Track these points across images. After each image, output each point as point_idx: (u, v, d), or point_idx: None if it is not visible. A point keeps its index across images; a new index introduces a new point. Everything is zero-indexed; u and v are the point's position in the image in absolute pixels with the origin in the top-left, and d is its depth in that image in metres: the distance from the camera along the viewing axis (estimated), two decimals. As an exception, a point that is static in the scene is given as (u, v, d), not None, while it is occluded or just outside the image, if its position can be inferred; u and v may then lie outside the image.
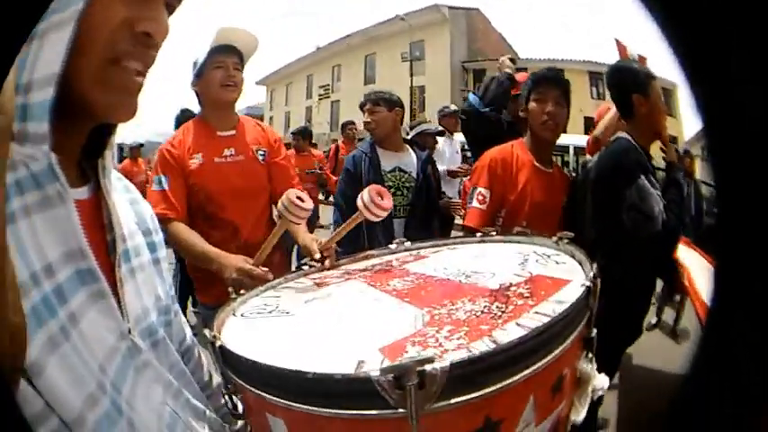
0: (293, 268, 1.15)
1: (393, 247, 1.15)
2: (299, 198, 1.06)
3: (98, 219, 0.50)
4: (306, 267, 1.07)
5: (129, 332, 0.48)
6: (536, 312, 0.55)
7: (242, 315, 0.78)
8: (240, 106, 1.54)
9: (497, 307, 0.59)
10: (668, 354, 2.71)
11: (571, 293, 0.59)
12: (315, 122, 26.65)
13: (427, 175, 2.29)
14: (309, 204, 1.07)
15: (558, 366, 0.51)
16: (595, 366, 0.59)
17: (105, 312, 0.45)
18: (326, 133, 25.45)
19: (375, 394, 0.41)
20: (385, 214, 1.12)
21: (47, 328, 0.38)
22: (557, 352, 0.50)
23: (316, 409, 0.45)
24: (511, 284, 0.68)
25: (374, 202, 1.09)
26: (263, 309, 0.80)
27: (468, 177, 1.97)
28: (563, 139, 1.81)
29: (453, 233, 3.24)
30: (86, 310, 0.43)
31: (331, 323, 0.67)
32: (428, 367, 0.40)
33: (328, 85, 27.72)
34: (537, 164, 1.70)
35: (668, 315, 3.59)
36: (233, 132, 1.56)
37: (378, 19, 24.67)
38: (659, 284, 3.18)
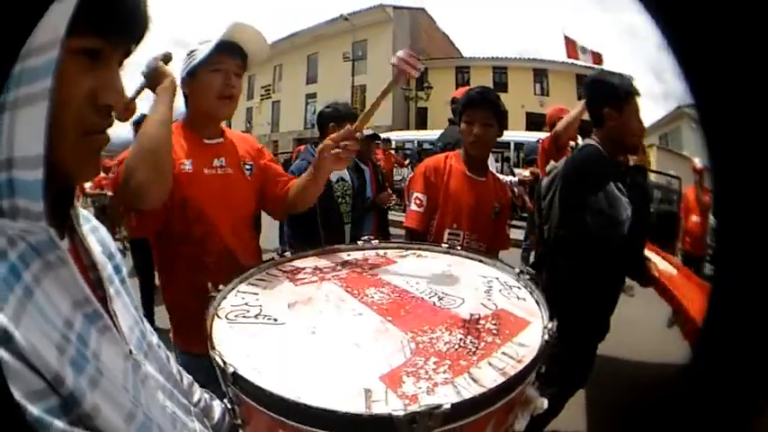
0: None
1: (360, 243, 1.21)
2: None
3: (79, 261, 0.54)
4: (276, 257, 1.09)
5: (131, 352, 0.54)
6: (503, 353, 0.69)
7: (227, 318, 0.80)
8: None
9: (471, 342, 0.72)
10: (630, 344, 2.84)
11: (531, 338, 0.73)
12: (255, 123, 25.60)
13: (359, 180, 2.46)
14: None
15: (516, 397, 0.64)
16: (538, 392, 0.72)
17: (112, 341, 0.52)
18: (267, 134, 24.81)
19: (390, 428, 0.51)
20: (416, 74, 1.15)
21: (87, 373, 0.44)
22: (518, 390, 0.63)
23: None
24: (480, 316, 0.81)
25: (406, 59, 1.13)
26: (246, 311, 0.82)
27: (407, 183, 2.13)
28: (504, 136, 1.89)
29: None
30: (101, 344, 0.49)
31: (323, 339, 0.74)
32: (437, 411, 0.51)
33: (270, 85, 26.44)
34: (469, 173, 1.87)
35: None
36: (220, 140, 1.38)
37: (321, 18, 24.25)
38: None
